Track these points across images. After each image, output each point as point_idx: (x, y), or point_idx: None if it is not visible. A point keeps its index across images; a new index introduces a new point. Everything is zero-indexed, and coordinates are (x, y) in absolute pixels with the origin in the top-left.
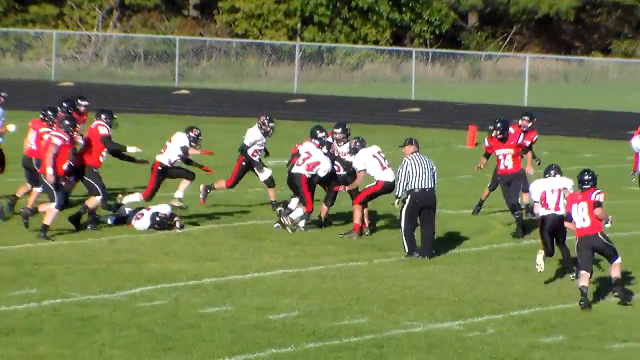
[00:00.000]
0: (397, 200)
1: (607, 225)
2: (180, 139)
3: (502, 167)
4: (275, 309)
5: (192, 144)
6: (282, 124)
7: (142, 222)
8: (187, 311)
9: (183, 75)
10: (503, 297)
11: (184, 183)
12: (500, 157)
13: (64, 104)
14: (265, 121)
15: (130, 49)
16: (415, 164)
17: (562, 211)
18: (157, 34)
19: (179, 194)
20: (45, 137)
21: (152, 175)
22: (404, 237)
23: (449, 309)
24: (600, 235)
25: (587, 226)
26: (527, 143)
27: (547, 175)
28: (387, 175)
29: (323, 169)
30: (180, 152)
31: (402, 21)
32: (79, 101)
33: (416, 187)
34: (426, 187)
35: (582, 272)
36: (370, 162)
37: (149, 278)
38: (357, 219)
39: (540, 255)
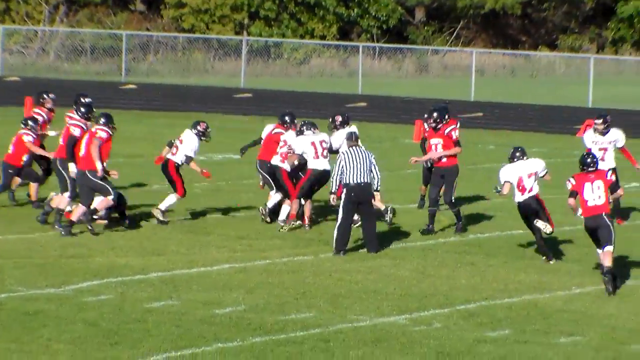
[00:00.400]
0: (332, 197)
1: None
2: (189, 138)
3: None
4: (221, 304)
5: (202, 137)
6: (228, 118)
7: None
8: (133, 306)
9: (130, 70)
10: (449, 291)
11: (171, 198)
12: (433, 147)
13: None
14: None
15: (77, 43)
16: (349, 158)
17: (535, 191)
18: (104, 28)
19: (162, 206)
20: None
21: (172, 174)
22: (335, 232)
23: (395, 303)
24: (604, 215)
25: (601, 204)
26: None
27: (514, 160)
28: (318, 164)
29: (297, 152)
30: (189, 155)
31: (349, 16)
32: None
33: (351, 181)
34: (361, 181)
35: (598, 250)
36: (307, 149)
37: (96, 272)
38: (292, 210)
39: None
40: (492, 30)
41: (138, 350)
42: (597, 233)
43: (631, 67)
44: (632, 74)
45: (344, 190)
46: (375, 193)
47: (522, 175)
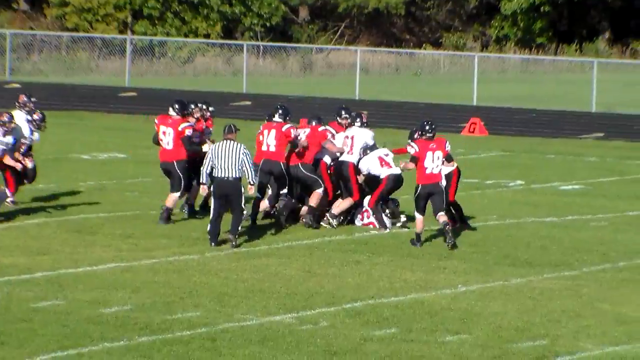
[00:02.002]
0: (201, 187)
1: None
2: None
3: None
4: (107, 303)
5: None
6: (113, 117)
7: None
8: (19, 305)
9: (14, 69)
10: (336, 290)
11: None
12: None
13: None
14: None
15: None
16: (217, 152)
17: (399, 170)
18: None
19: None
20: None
21: (352, 176)
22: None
23: (281, 301)
24: (439, 184)
25: (437, 173)
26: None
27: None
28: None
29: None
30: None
31: (233, 14)
32: (203, 106)
33: (217, 175)
34: (225, 176)
35: (420, 216)
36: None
37: None
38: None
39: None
40: (376, 28)
41: (24, 350)
42: (430, 200)
43: (515, 65)
44: (516, 72)
45: (213, 183)
46: (249, 186)
47: (380, 155)
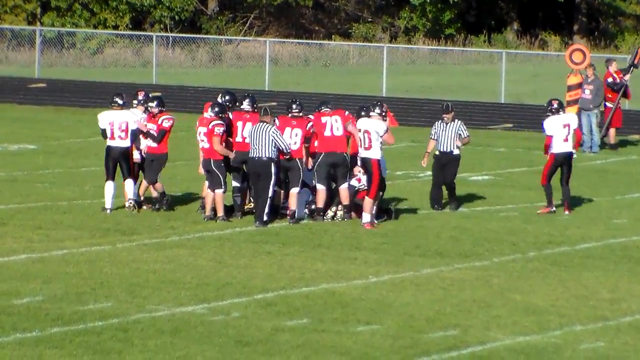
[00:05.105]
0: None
1: None
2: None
3: None
4: (19, 294)
5: None
6: (23, 108)
7: None
8: None
9: None
10: (247, 281)
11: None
12: None
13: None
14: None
15: None
16: (253, 134)
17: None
18: None
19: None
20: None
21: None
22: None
23: (193, 292)
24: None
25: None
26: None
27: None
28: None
29: None
30: None
31: (142, 7)
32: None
33: (251, 155)
34: (254, 155)
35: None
36: None
37: None
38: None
39: None
40: (285, 19)
41: None
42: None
43: (424, 56)
44: (424, 63)
45: (248, 162)
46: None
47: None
